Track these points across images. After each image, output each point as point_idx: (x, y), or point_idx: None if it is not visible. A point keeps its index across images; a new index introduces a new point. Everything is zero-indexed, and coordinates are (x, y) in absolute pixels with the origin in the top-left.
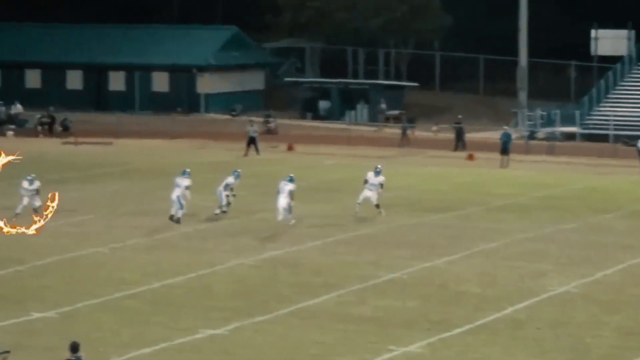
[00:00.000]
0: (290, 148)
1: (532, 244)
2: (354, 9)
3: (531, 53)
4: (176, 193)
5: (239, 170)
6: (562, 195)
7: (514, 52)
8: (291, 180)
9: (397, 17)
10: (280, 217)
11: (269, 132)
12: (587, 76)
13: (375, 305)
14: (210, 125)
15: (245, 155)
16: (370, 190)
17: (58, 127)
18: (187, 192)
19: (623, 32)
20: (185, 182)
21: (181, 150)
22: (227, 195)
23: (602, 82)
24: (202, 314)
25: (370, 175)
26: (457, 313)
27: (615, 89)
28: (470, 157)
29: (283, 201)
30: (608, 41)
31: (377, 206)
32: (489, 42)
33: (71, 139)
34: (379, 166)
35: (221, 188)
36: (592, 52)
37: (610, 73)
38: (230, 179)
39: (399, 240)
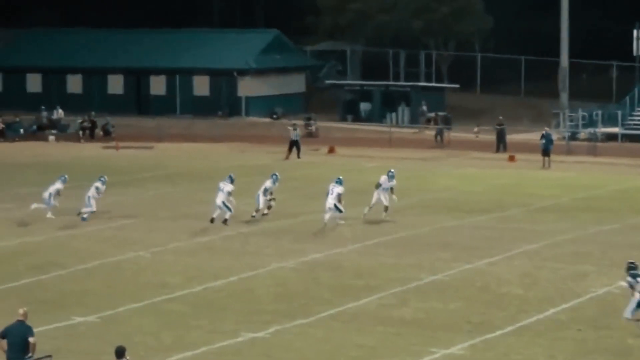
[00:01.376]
0: (331, 151)
1: (574, 245)
2: (394, 10)
3: (572, 54)
4: (220, 198)
5: (277, 174)
6: (603, 196)
7: (556, 52)
8: (339, 182)
9: (438, 18)
10: (326, 217)
11: (310, 135)
12: (629, 76)
13: (416, 307)
14: (250, 128)
15: (287, 158)
16: (381, 193)
17: (99, 132)
18: (231, 197)
19: None
20: (228, 187)
21: (222, 153)
22: (268, 200)
23: None
24: (243, 317)
25: (384, 179)
26: (499, 315)
27: None
28: (512, 159)
29: (330, 202)
30: None
31: (386, 208)
32: (530, 43)
33: (112, 144)
34: (392, 170)
35: (260, 192)
36: (634, 52)
37: None
38: (268, 183)
39: (440, 242)
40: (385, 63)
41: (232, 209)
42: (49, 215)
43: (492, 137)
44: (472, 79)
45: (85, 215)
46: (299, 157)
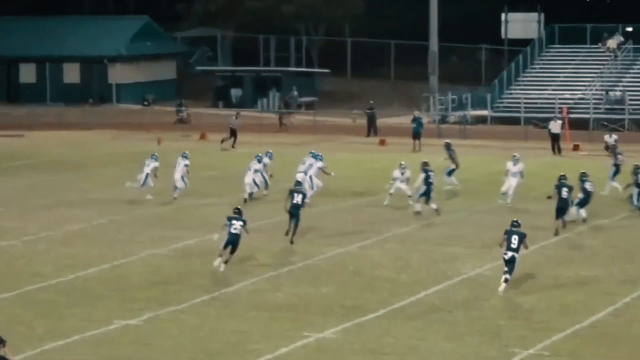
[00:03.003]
0: (202, 137)
1: (445, 227)
2: None
3: (442, 37)
4: (249, 177)
5: (270, 151)
6: (473, 179)
7: (425, 36)
8: (317, 157)
9: (308, 3)
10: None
11: (181, 121)
12: (498, 59)
13: (289, 292)
14: (122, 115)
15: (233, 147)
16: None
17: None
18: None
19: (533, 15)
20: (256, 165)
21: (93, 141)
22: (264, 178)
23: (513, 65)
24: (116, 304)
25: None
26: (372, 298)
27: (525, 72)
28: (383, 143)
29: (248, 178)
30: (518, 24)
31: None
32: (400, 28)
33: None
34: (314, 151)
35: (249, 178)
36: (503, 35)
37: (520, 56)
38: (256, 165)
39: (313, 226)
40: (256, 49)
41: (260, 187)
42: (148, 197)
43: (363, 122)
44: (343, 63)
45: None
46: (233, 146)
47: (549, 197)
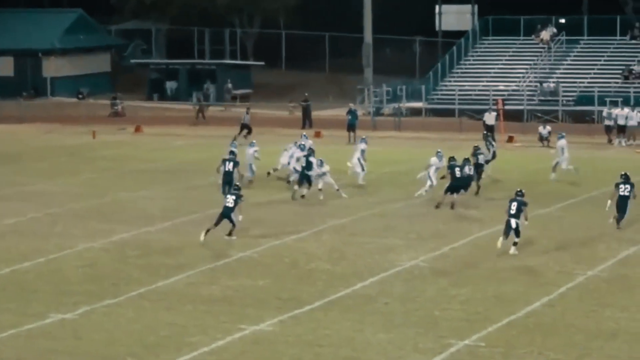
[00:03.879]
0: (138, 130)
1: (381, 219)
2: None
3: (376, 29)
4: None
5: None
6: (409, 171)
7: (359, 29)
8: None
9: None
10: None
11: (116, 115)
12: (432, 51)
13: (225, 284)
14: (57, 109)
15: (237, 138)
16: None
17: None
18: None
19: (466, 7)
20: (297, 153)
21: (28, 135)
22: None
23: (447, 57)
24: (52, 298)
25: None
26: (308, 290)
27: (459, 64)
28: (318, 135)
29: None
30: (452, 16)
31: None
32: (334, 20)
33: None
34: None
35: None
36: (437, 27)
37: (454, 48)
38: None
39: (249, 218)
40: (191, 41)
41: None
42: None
43: (298, 114)
44: (278, 56)
45: None
46: (246, 137)
47: (443, 177)
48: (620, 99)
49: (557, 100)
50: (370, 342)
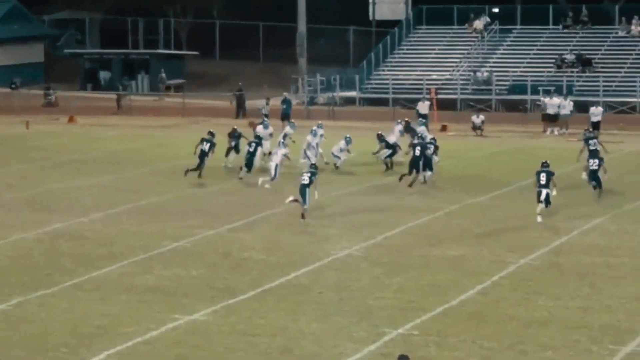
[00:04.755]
0: (71, 120)
1: (314, 208)
2: None
3: (310, 19)
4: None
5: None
6: (343, 160)
7: (293, 18)
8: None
9: None
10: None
11: (50, 105)
12: (366, 41)
13: (159, 274)
14: None
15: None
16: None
17: None
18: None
19: None
20: (314, 139)
21: None
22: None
23: (380, 46)
24: None
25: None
26: (242, 280)
27: (393, 53)
28: (252, 125)
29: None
30: (385, 6)
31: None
32: (268, 9)
33: None
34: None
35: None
36: (371, 17)
37: (388, 37)
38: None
39: (183, 209)
40: (125, 31)
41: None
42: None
43: (232, 104)
44: (212, 45)
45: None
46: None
47: (407, 153)
48: (552, 88)
49: (490, 89)
50: (304, 331)
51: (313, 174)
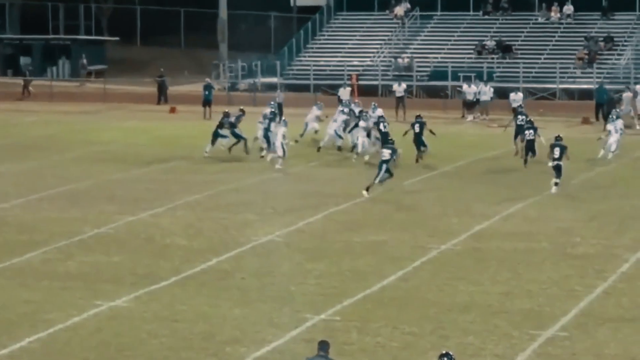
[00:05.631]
0: None
1: (237, 195)
2: None
3: (231, 5)
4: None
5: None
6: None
7: (214, 4)
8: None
9: None
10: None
11: None
12: (287, 27)
13: (81, 261)
14: None
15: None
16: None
17: None
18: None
19: None
20: (342, 117)
21: None
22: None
23: (302, 32)
24: None
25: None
26: (164, 266)
27: (314, 39)
28: (173, 110)
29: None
30: None
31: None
32: None
33: None
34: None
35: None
36: (292, 3)
37: (309, 23)
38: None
39: (105, 195)
40: (45, 17)
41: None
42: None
43: (153, 90)
44: (133, 31)
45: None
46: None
47: (407, 132)
48: (473, 74)
49: (411, 76)
50: (226, 317)
51: (394, 151)
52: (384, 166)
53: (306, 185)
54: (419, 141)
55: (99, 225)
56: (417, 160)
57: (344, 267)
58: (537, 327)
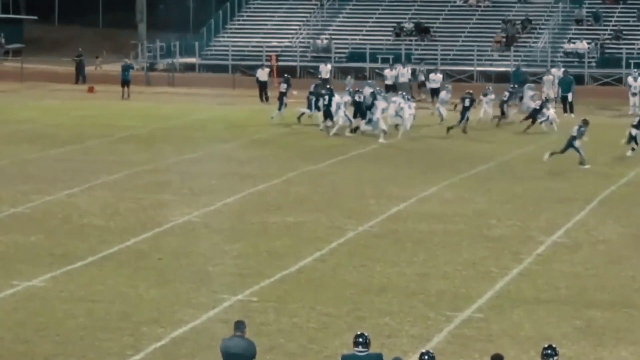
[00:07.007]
0: None
1: (154, 175)
2: None
3: None
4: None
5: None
6: (182, 126)
7: None
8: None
9: None
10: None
11: None
12: (206, 7)
13: None
14: None
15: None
16: None
17: None
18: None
19: None
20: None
21: None
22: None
23: (220, 12)
24: None
25: None
26: (81, 246)
27: (233, 20)
28: (91, 90)
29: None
30: None
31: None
32: None
33: None
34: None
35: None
36: None
37: (228, 4)
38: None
39: (20, 174)
40: None
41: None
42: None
43: (71, 69)
44: (51, 10)
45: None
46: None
47: (455, 105)
48: (391, 56)
49: (330, 57)
50: (144, 297)
51: (582, 126)
52: (574, 142)
53: (224, 166)
54: (463, 114)
55: (16, 205)
56: (464, 131)
57: (261, 248)
58: (453, 308)
